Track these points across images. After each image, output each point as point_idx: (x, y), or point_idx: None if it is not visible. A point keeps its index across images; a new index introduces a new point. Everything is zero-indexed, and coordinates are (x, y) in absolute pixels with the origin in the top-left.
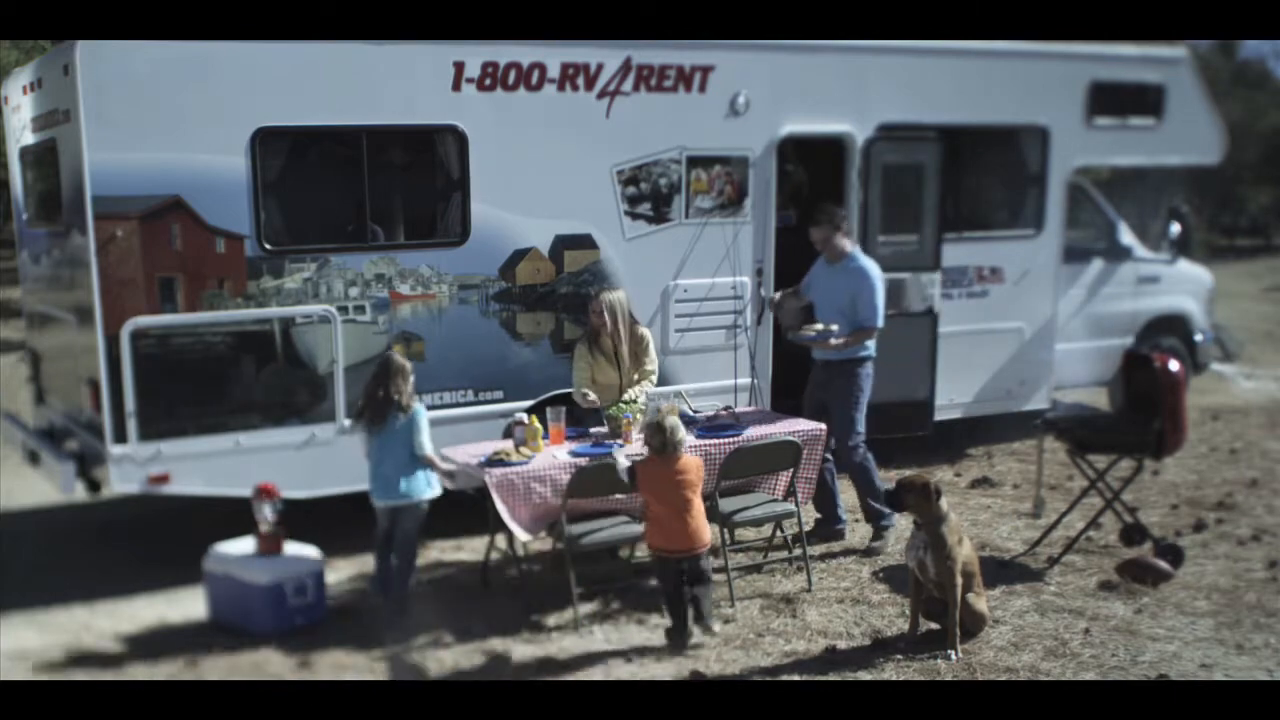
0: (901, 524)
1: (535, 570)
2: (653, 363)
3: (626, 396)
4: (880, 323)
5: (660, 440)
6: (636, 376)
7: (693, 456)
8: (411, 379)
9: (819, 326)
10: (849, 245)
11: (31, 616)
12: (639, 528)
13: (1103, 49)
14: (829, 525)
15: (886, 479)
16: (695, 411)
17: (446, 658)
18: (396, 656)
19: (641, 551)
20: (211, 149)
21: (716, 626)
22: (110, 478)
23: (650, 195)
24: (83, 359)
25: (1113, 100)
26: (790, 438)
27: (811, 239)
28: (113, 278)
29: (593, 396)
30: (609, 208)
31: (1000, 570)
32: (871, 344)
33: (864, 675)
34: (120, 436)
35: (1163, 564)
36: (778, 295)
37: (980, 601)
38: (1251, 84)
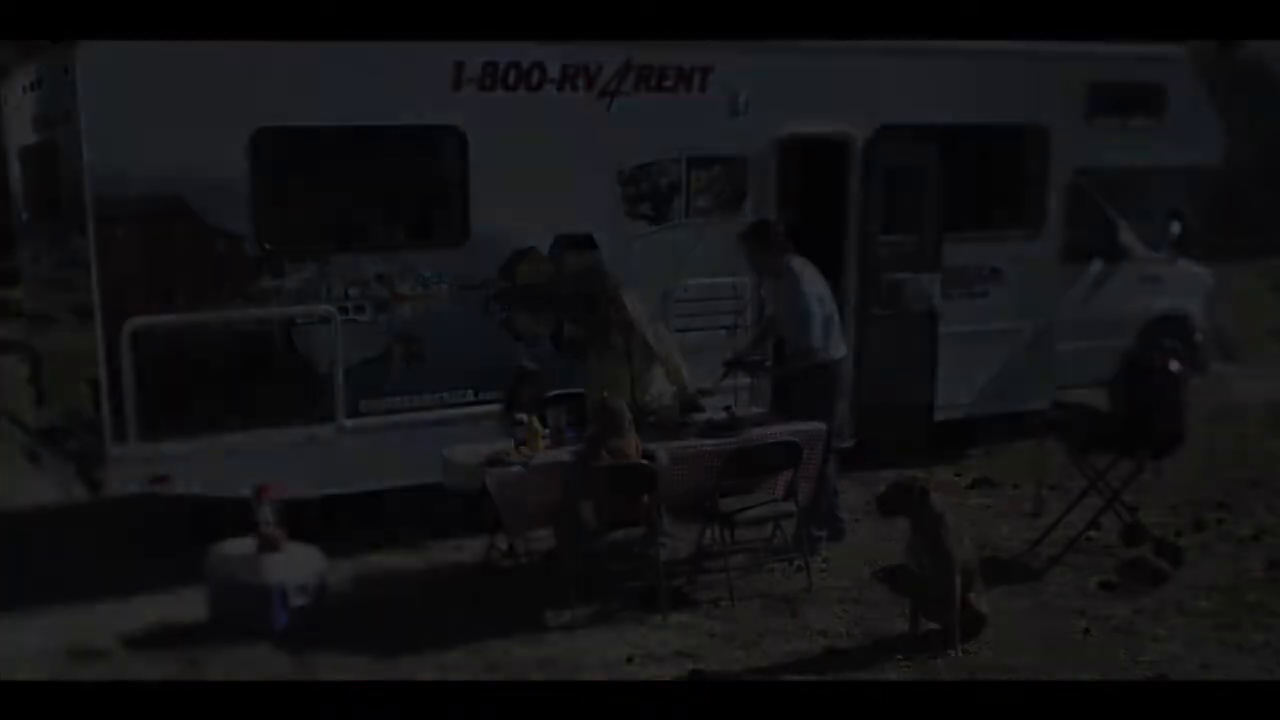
0: (902, 524)
1: (535, 570)
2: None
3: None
4: (814, 342)
5: (617, 423)
6: (666, 371)
7: (633, 436)
8: None
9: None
10: (786, 258)
11: (32, 617)
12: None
13: (1103, 49)
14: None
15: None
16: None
17: (446, 658)
18: None
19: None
20: (211, 149)
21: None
22: (110, 478)
23: (650, 195)
24: (83, 359)
25: (1113, 100)
26: (791, 438)
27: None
28: (113, 278)
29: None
30: (609, 208)
31: (1000, 570)
32: (840, 349)
33: (864, 675)
34: (120, 436)
35: (1163, 564)
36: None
37: (980, 601)
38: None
